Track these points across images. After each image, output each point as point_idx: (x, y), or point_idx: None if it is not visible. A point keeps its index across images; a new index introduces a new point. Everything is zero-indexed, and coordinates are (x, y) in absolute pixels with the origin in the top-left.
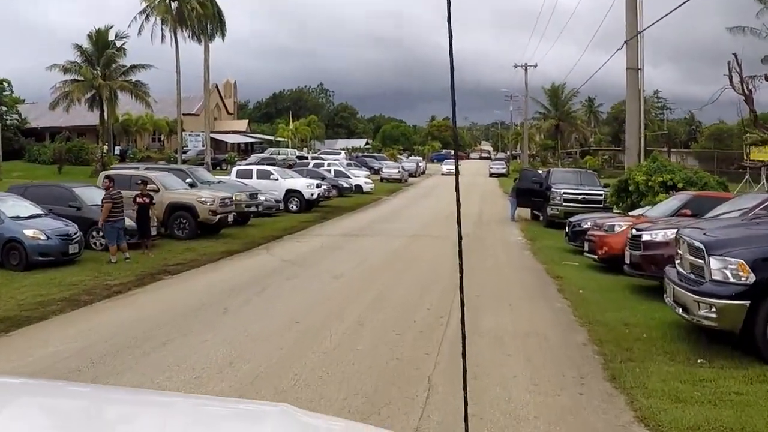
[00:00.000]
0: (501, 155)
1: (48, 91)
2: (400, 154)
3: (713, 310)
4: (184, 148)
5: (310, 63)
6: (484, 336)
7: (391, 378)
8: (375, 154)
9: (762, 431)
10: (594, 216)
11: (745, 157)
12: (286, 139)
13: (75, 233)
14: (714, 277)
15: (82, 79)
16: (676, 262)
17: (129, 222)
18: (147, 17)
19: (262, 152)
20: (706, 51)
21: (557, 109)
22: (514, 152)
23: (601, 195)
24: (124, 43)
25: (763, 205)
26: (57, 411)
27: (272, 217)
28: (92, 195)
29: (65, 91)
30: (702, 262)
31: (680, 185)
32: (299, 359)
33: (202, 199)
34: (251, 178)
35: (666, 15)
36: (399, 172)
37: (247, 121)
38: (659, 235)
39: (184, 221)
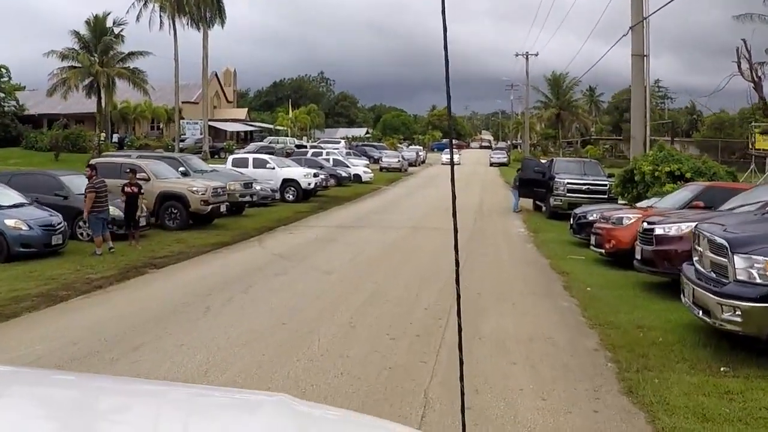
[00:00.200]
0: (502, 144)
1: (47, 77)
2: (400, 144)
3: (738, 313)
4: (182, 137)
5: (310, 52)
6: (485, 341)
7: (383, 392)
8: (375, 144)
9: None
10: (600, 207)
11: (750, 146)
12: (285, 128)
13: (59, 223)
14: (739, 277)
15: (80, 65)
16: (694, 259)
17: (116, 212)
18: (145, 3)
19: (262, 141)
20: (707, 41)
21: (558, 98)
22: (514, 141)
23: (605, 185)
24: (122, 30)
25: None
26: (48, 400)
27: (268, 207)
28: (80, 183)
29: (62, 78)
30: (725, 260)
31: (688, 175)
32: (282, 368)
33: (194, 189)
34: (247, 167)
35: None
36: (399, 161)
37: (246, 109)
38: (672, 229)
39: (175, 211)
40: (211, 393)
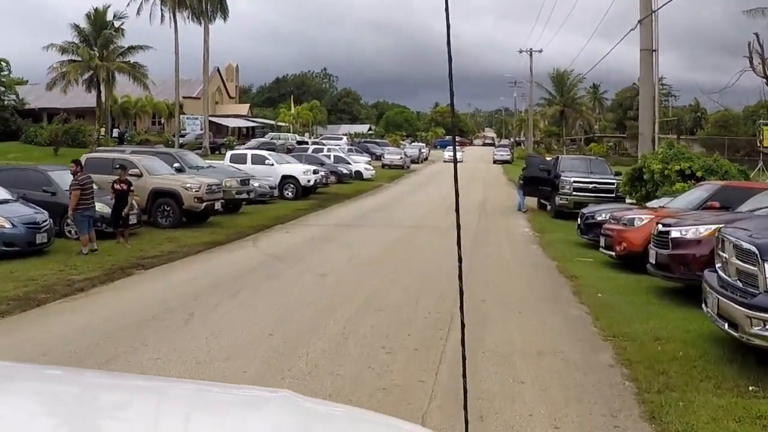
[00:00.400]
0: (505, 141)
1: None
2: (403, 140)
3: None
4: (183, 132)
5: (314, 48)
6: (490, 356)
7: None
8: (377, 140)
9: None
10: (609, 207)
11: (759, 144)
12: (287, 124)
13: (44, 221)
14: None
15: (80, 59)
16: (717, 265)
17: (105, 209)
18: None
19: (263, 137)
20: (710, 38)
21: (562, 96)
22: (517, 139)
23: (613, 184)
24: (122, 24)
25: None
26: (48, 396)
27: (266, 205)
28: (69, 179)
29: (62, 72)
30: (755, 268)
31: (699, 174)
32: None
33: (188, 186)
34: (246, 163)
35: None
36: (401, 158)
37: (248, 105)
38: (690, 232)
39: (168, 209)
40: (215, 389)
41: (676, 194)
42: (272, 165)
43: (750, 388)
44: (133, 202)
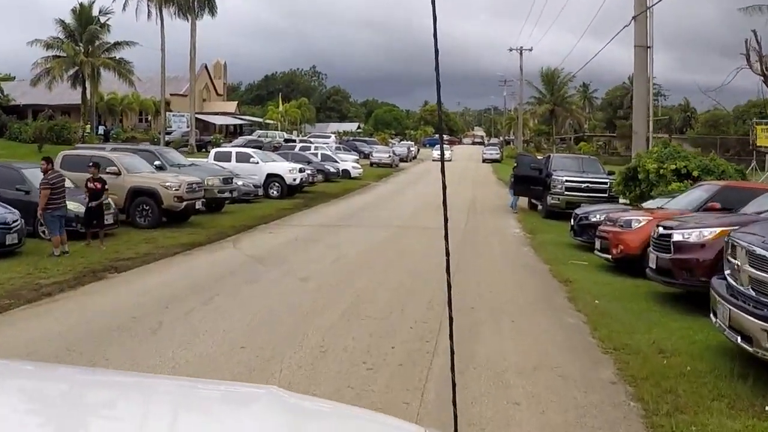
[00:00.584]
0: (494, 140)
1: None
2: (392, 139)
3: None
4: (169, 129)
5: (304, 46)
6: (481, 371)
7: None
8: (366, 138)
9: None
10: (604, 208)
11: (751, 143)
12: (275, 122)
13: (14, 221)
14: None
15: (64, 55)
16: (726, 272)
17: (79, 208)
18: None
19: (251, 134)
20: (700, 38)
21: (552, 94)
22: (507, 138)
23: (606, 183)
24: (108, 19)
25: None
26: (35, 393)
27: (250, 204)
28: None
29: (46, 68)
30: None
31: (695, 173)
32: None
33: (167, 184)
34: (230, 161)
35: None
36: (389, 156)
37: (236, 102)
38: (693, 236)
39: (147, 208)
40: (202, 386)
41: (672, 194)
42: (257, 163)
43: (766, 408)
44: (110, 200)
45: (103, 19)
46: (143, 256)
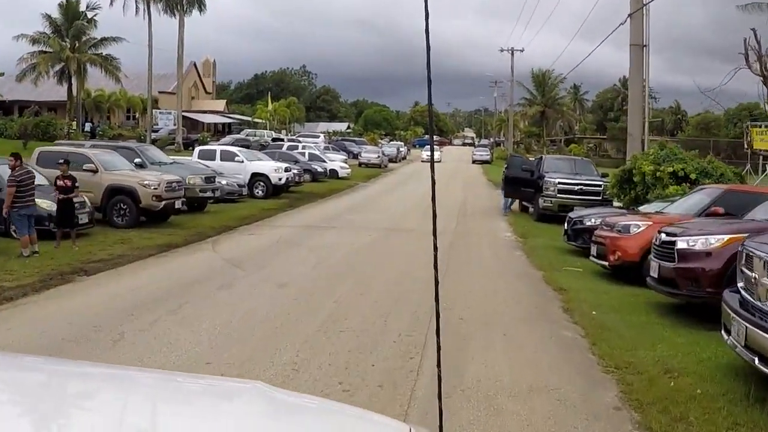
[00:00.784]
0: (485, 141)
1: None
2: (382, 139)
3: None
4: (156, 127)
5: (294, 45)
6: (470, 394)
7: None
8: (355, 138)
9: None
10: (600, 212)
11: (745, 145)
12: (264, 121)
13: None
14: None
15: (50, 50)
16: (739, 284)
17: (52, 206)
18: None
19: (239, 133)
20: (689, 40)
21: (543, 96)
22: (497, 139)
23: (599, 186)
24: (95, 15)
25: None
26: (14, 384)
27: (234, 204)
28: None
29: (32, 63)
30: None
31: (693, 176)
32: None
33: (145, 183)
34: (214, 159)
35: None
36: (378, 157)
37: (224, 101)
38: (698, 243)
39: (124, 207)
40: (186, 380)
41: (668, 198)
42: (242, 162)
43: None
44: (86, 199)
45: (90, 15)
46: (116, 257)
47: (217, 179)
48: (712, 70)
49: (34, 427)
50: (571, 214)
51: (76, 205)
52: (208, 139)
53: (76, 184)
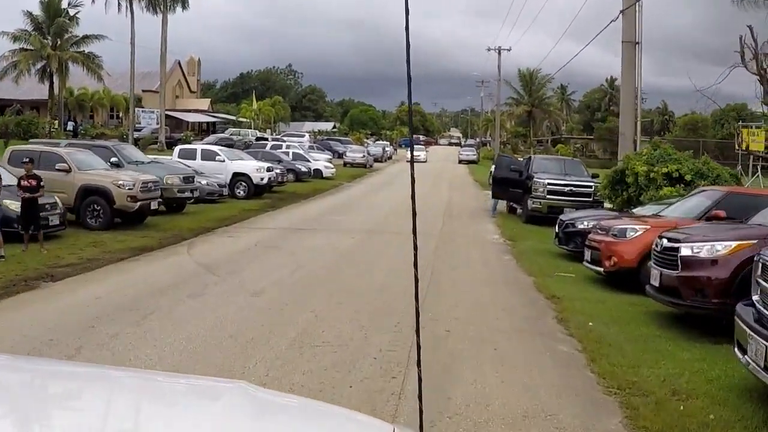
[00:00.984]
0: (471, 141)
1: None
2: (367, 139)
3: None
4: (138, 126)
5: (280, 44)
6: (459, 422)
7: None
8: (340, 138)
9: None
10: (593, 214)
11: (737, 146)
12: (248, 120)
13: None
14: None
15: (31, 48)
16: (754, 297)
17: (17, 207)
18: None
19: (224, 132)
20: (676, 41)
21: (531, 95)
22: (484, 139)
23: (590, 187)
24: (77, 12)
25: None
26: None
27: (215, 204)
28: None
29: (13, 61)
30: None
31: (688, 177)
32: None
33: (120, 183)
34: (195, 158)
35: None
36: (364, 156)
37: (209, 100)
38: (704, 250)
39: (98, 208)
40: (169, 380)
41: (662, 200)
42: (223, 161)
43: None
44: (57, 199)
45: (72, 12)
46: (85, 262)
47: (196, 179)
48: (699, 71)
49: (15, 428)
50: (563, 217)
51: (47, 206)
52: (192, 138)
53: (42, 184)
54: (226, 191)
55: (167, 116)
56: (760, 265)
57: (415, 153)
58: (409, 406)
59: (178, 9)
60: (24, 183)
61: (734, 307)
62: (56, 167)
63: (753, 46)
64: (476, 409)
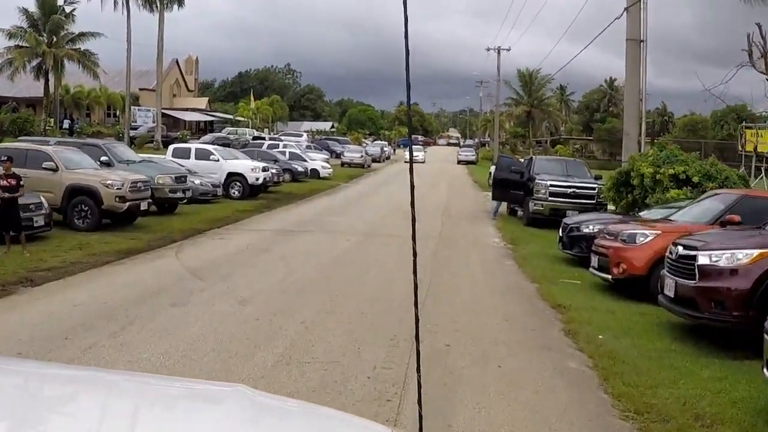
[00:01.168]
0: (470, 142)
1: None
2: (366, 139)
3: None
4: (134, 125)
5: (279, 43)
6: None
7: None
8: (338, 138)
9: None
10: (599, 218)
11: (740, 147)
12: (246, 119)
13: None
14: None
15: (27, 45)
16: None
17: None
18: None
19: (221, 131)
20: (673, 43)
21: (530, 96)
22: (482, 139)
23: (593, 189)
24: (74, 9)
25: None
26: None
27: (208, 205)
28: None
29: (8, 59)
30: None
31: (695, 180)
32: None
33: (108, 182)
34: (189, 158)
35: None
36: (361, 156)
37: (206, 99)
38: (723, 258)
39: (86, 208)
40: (167, 384)
41: (669, 202)
42: (217, 161)
43: None
44: (43, 199)
45: (68, 9)
46: (68, 265)
47: (189, 179)
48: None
49: None
50: (567, 220)
51: (31, 206)
52: (188, 137)
53: (21, 183)
54: (220, 191)
55: (164, 115)
56: None
57: (414, 154)
58: None
59: (175, 7)
60: (2, 182)
61: (756, 320)
62: (43, 166)
63: (761, 44)
64: None
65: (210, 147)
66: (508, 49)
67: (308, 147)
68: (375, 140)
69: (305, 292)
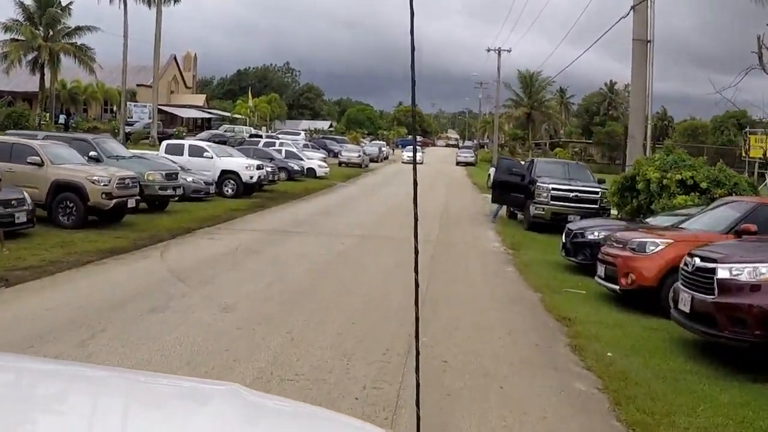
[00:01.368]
0: (469, 143)
1: None
2: (364, 138)
3: None
4: (131, 120)
5: (278, 42)
6: None
7: None
8: (336, 137)
9: None
10: (605, 224)
11: (743, 153)
12: (243, 117)
13: None
14: None
15: (23, 38)
16: None
17: None
18: None
19: (218, 129)
20: (672, 47)
21: (530, 98)
22: (481, 141)
23: (597, 193)
24: (70, 3)
25: None
26: None
27: (201, 203)
28: None
29: (3, 52)
30: None
31: (704, 185)
32: None
33: (94, 178)
34: (182, 154)
35: None
36: (359, 156)
37: (204, 96)
38: (744, 272)
39: (71, 205)
40: (159, 381)
41: (676, 209)
42: (211, 158)
43: None
44: (26, 195)
45: (64, 2)
46: (48, 264)
47: (181, 176)
48: (698, 77)
49: None
50: (571, 226)
51: (12, 202)
52: (184, 133)
53: None
54: (213, 189)
55: (161, 111)
56: None
57: (412, 154)
58: None
59: (180, 6)
60: None
61: None
62: (28, 160)
63: None
64: None
65: (203, 144)
66: (509, 51)
67: (305, 146)
68: (373, 140)
69: (294, 299)
